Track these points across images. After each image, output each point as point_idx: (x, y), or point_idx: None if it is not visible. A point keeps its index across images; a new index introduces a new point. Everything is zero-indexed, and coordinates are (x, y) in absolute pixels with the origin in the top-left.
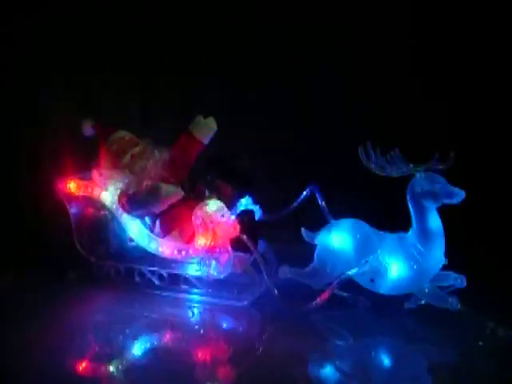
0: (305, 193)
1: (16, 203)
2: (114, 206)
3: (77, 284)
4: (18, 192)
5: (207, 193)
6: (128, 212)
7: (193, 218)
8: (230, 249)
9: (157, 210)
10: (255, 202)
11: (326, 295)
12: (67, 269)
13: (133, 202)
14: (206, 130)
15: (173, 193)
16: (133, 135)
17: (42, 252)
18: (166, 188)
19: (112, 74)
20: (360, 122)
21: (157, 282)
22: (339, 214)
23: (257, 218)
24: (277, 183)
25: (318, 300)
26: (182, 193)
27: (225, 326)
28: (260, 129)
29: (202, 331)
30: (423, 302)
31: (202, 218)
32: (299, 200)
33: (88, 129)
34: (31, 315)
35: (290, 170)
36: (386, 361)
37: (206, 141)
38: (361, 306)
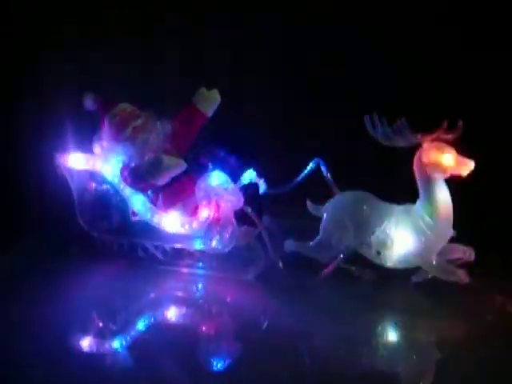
0: (310, 166)
1: (17, 177)
2: (116, 180)
3: (79, 259)
4: (18, 166)
5: (210, 166)
6: (130, 185)
7: (196, 190)
8: (234, 222)
9: (159, 182)
10: (260, 176)
11: (331, 268)
12: (69, 243)
13: (135, 174)
14: (210, 102)
15: (175, 165)
16: (135, 108)
17: (43, 226)
18: (168, 160)
19: (113, 47)
20: (366, 92)
21: (160, 257)
22: (345, 187)
23: (261, 191)
24: (282, 156)
25: (324, 273)
26: (185, 165)
27: (229, 300)
28: (264, 101)
29: (206, 305)
30: (430, 275)
31: (205, 191)
32: (304, 173)
33: (89, 102)
34: (32, 290)
35: (295, 143)
36: (392, 335)
37: (209, 113)
38: (367, 279)
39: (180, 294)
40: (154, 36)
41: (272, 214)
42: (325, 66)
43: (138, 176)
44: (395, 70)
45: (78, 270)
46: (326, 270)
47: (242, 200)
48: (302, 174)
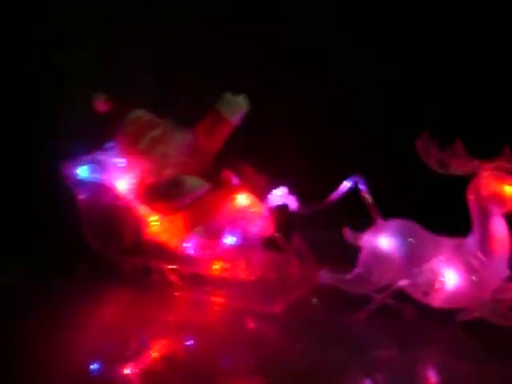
0: (347, 184)
1: (22, 189)
2: (130, 196)
3: (88, 280)
4: (24, 177)
5: (236, 183)
6: (145, 205)
7: (220, 212)
8: (261, 249)
9: (179, 205)
10: (290, 193)
11: (372, 308)
12: (77, 263)
13: (151, 194)
14: (236, 108)
15: (198, 187)
16: (152, 115)
17: (49, 243)
18: (190, 181)
19: (127, 45)
20: (413, 105)
21: (177, 282)
22: (388, 213)
23: (292, 210)
24: (315, 172)
25: (363, 312)
26: (208, 186)
27: (253, 333)
28: (296, 110)
29: (225, 338)
30: (479, 315)
31: (231, 214)
32: (340, 192)
33: (100, 104)
34: (38, 312)
35: (331, 158)
36: (431, 377)
37: (235, 121)
38: (407, 314)
39: (197, 324)
40: (170, 33)
41: (304, 239)
42: (365, 74)
43: (154, 196)
44: (450, 82)
45: (85, 293)
46: (365, 309)
47: (272, 226)
48: (337, 194)
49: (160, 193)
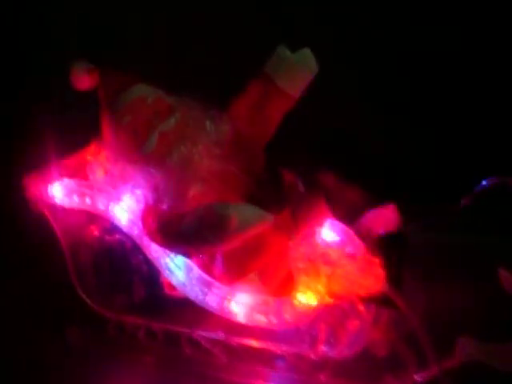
0: (482, 185)
1: None
2: (136, 230)
3: (83, 353)
4: None
5: (314, 203)
6: (161, 244)
7: (290, 255)
8: (361, 311)
9: (219, 249)
10: (397, 212)
11: None
12: (65, 326)
13: (171, 231)
14: (299, 72)
15: (253, 223)
16: (160, 93)
17: (27, 298)
18: (239, 215)
19: None
20: None
21: (221, 358)
22: None
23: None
24: (430, 171)
25: None
26: (272, 218)
27: None
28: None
29: None
30: None
31: (309, 258)
32: (470, 199)
33: (82, 77)
34: None
35: (452, 150)
36: None
37: (297, 92)
38: None
39: None
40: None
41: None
42: None
43: (177, 235)
44: None
45: (84, 367)
46: None
47: (383, 276)
48: (467, 201)
49: (186, 235)
